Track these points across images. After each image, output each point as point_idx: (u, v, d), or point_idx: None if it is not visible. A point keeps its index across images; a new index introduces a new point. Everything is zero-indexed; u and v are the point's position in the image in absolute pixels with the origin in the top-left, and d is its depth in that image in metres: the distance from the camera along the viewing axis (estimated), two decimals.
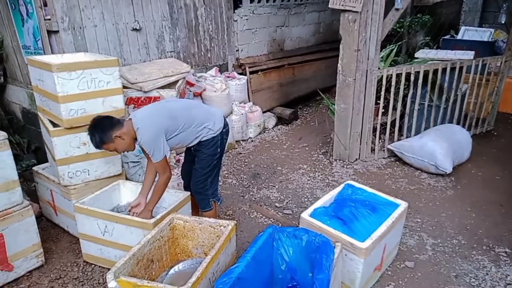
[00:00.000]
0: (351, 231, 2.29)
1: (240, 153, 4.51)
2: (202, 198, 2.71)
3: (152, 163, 2.44)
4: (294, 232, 2.15)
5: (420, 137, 4.03)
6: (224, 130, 2.61)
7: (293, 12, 5.85)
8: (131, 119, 2.37)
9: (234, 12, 4.96)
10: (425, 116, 4.26)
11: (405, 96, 4.15)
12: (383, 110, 4.10)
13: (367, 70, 3.81)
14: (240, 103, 4.91)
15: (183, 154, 3.62)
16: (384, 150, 4.23)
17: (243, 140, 4.84)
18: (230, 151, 4.54)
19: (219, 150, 2.62)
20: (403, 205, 2.53)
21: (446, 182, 3.73)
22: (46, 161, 3.14)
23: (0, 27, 3.80)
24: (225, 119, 2.66)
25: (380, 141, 4.19)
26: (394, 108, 4.15)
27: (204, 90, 4.34)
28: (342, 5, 3.55)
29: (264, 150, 4.61)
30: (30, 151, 3.93)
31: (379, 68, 3.89)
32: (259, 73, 5.34)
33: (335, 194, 2.62)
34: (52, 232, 2.99)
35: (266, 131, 5.18)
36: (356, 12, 3.57)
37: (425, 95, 4.19)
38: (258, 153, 4.52)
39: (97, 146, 2.33)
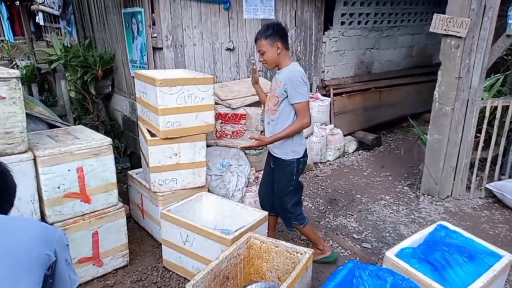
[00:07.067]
0: (443, 279, 2.05)
1: (317, 176, 4.41)
2: (284, 218, 2.73)
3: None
4: (377, 271, 2.00)
5: None
6: (301, 159, 2.58)
7: (385, 34, 5.64)
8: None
9: (323, 34, 4.95)
10: None
11: (510, 131, 3.70)
12: (483, 145, 3.69)
13: (468, 100, 3.48)
14: (321, 125, 4.83)
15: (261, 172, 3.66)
16: (481, 189, 3.79)
17: (321, 163, 4.74)
18: (307, 172, 4.46)
19: (294, 178, 2.59)
20: (507, 257, 2.21)
21: None
22: (139, 165, 3.40)
23: (114, 42, 4.28)
24: (305, 150, 2.64)
25: (477, 178, 3.77)
26: (497, 143, 3.71)
27: None
28: (445, 30, 3.31)
29: (343, 175, 4.45)
30: (126, 155, 4.31)
31: (482, 99, 3.53)
32: (343, 95, 5.22)
33: (425, 235, 2.39)
34: (137, 234, 3.19)
35: (345, 155, 5.01)
36: (460, 37, 3.30)
37: None
38: (336, 178, 4.37)
39: (266, 34, 2.39)
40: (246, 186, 3.46)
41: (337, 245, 3.07)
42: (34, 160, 2.27)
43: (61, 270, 1.23)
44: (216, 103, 3.30)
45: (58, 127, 3.01)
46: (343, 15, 5.03)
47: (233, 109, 3.48)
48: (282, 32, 2.46)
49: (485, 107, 3.53)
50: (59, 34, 5.77)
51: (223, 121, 3.53)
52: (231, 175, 3.38)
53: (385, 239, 3.16)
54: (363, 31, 5.34)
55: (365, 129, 5.48)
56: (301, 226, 2.71)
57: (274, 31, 2.42)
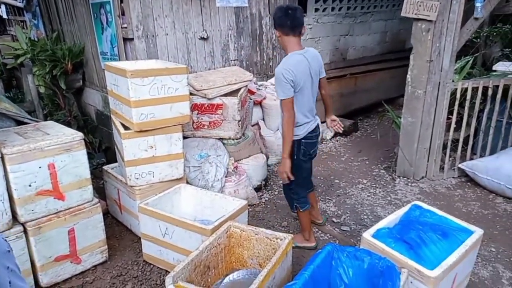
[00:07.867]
0: (418, 257, 2.12)
1: None
2: (288, 198, 2.87)
3: None
4: (355, 252, 2.04)
5: (497, 157, 3.68)
6: (302, 140, 2.60)
7: (359, 20, 5.68)
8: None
9: None
10: (503, 135, 3.88)
11: (480, 112, 3.82)
12: (454, 126, 3.80)
13: (439, 82, 3.56)
14: None
15: (242, 161, 3.66)
16: (454, 169, 3.91)
17: None
18: None
19: (295, 157, 2.62)
20: (478, 232, 2.30)
21: None
22: (114, 160, 3.33)
23: (83, 35, 4.14)
24: (317, 127, 2.70)
25: (450, 159, 3.89)
26: (468, 124, 3.83)
27: (264, 98, 4.34)
28: (416, 14, 3.36)
29: (321, 161, 4.50)
30: (101, 150, 4.20)
31: (453, 81, 3.62)
32: None
33: (400, 215, 2.45)
34: (116, 229, 3.14)
35: (323, 142, 5.06)
36: (430, 21, 3.36)
37: (503, 111, 3.82)
38: (315, 164, 4.36)
39: (301, 20, 2.44)
40: (226, 176, 3.44)
41: (316, 229, 3.12)
42: (2, 158, 2.19)
43: (0, 279, 1.19)
44: (191, 94, 3.26)
45: (26, 123, 2.90)
46: (317, 1, 5.03)
47: (209, 99, 3.44)
48: (276, 18, 2.50)
49: (456, 89, 3.62)
50: (25, 27, 5.53)
51: (200, 112, 3.49)
52: (210, 166, 3.36)
53: (363, 221, 3.22)
54: (337, 17, 5.35)
55: (342, 115, 5.52)
56: (301, 210, 2.77)
57: (273, 18, 2.51)
